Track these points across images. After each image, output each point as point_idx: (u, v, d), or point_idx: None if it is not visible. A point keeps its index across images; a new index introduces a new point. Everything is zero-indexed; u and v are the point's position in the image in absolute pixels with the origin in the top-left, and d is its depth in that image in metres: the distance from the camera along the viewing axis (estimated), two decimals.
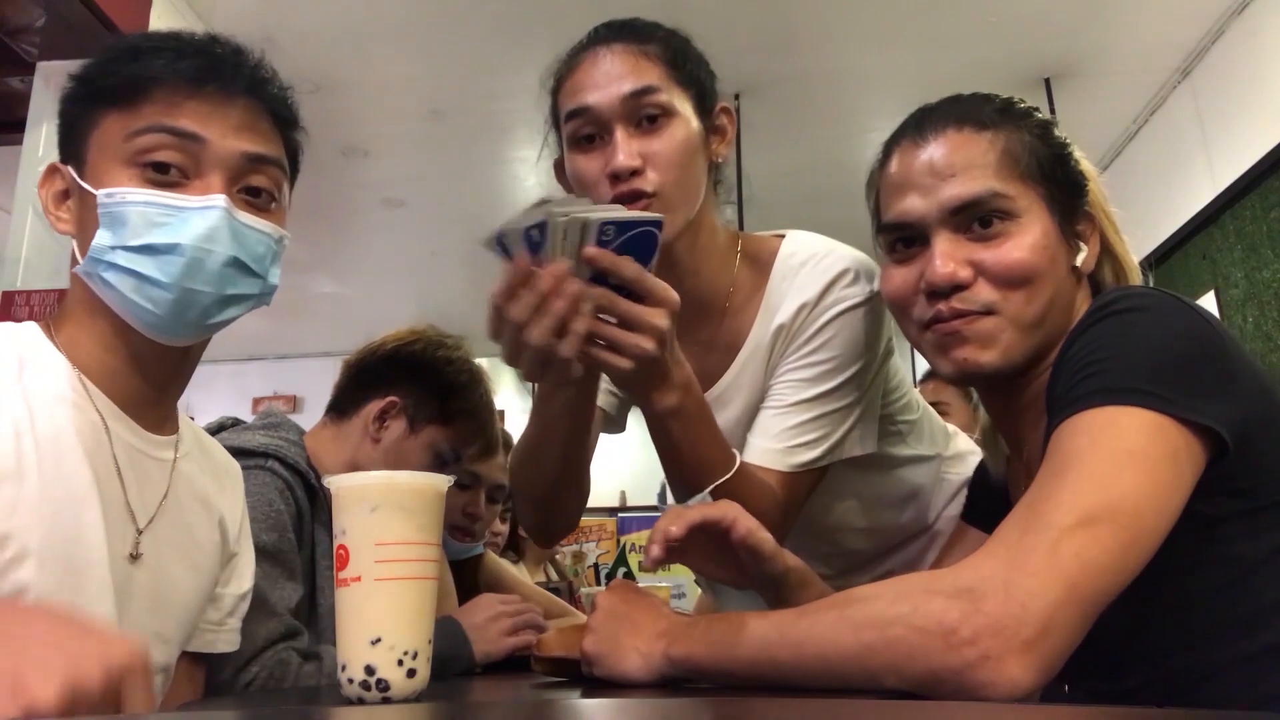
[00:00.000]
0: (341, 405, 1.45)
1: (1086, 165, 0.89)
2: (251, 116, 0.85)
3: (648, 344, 0.85)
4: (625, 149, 0.98)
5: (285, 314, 6.20)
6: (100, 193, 0.79)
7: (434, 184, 4.88)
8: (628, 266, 0.84)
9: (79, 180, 0.82)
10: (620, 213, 0.83)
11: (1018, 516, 0.65)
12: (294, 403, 7.15)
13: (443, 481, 0.73)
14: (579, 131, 1.03)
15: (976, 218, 0.82)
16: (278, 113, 0.88)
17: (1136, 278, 0.88)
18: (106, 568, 0.80)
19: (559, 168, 1.11)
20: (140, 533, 0.84)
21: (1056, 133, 0.88)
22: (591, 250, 0.82)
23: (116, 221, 0.78)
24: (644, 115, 1.00)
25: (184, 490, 0.90)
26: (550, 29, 3.67)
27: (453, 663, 1.18)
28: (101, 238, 0.79)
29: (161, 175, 0.80)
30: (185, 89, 0.81)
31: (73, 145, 0.84)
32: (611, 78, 1.00)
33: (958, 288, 0.81)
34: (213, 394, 6.23)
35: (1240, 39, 3.53)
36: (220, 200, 0.80)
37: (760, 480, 1.04)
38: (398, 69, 3.90)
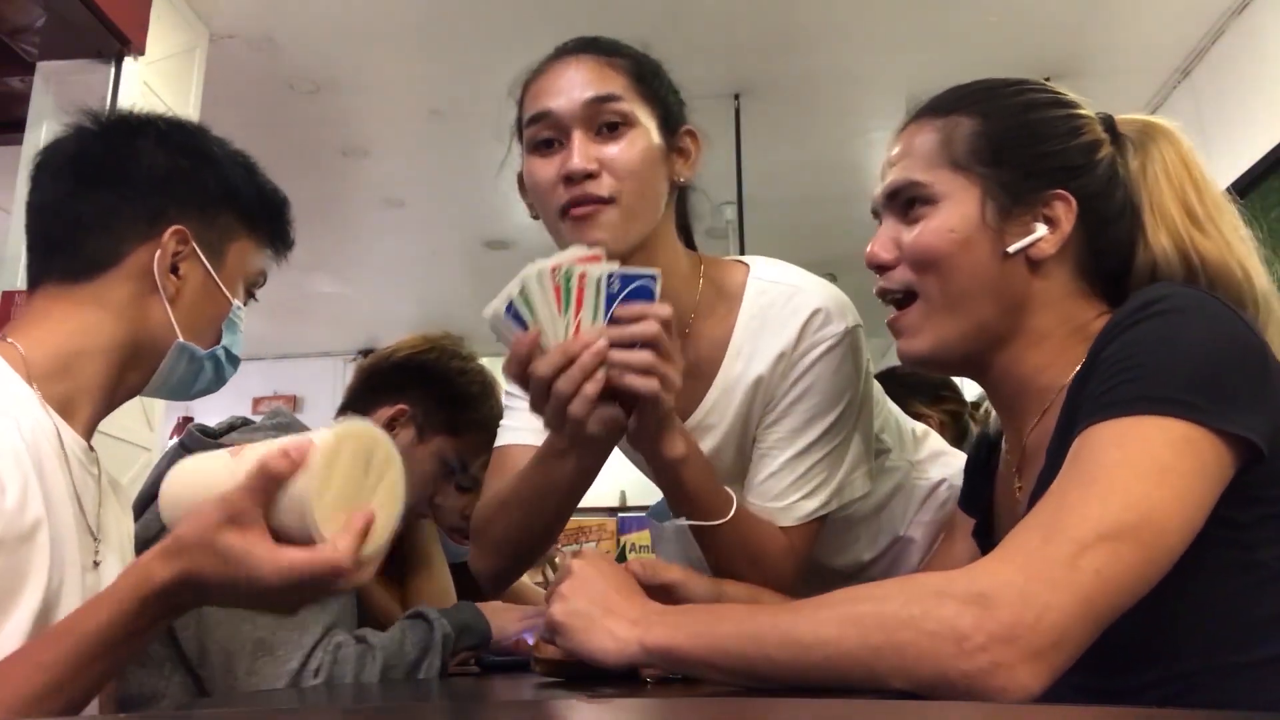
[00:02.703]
0: (352, 409, 1.45)
1: (1169, 153, 0.84)
2: None
3: (667, 396, 0.88)
4: (581, 152, 0.97)
5: (285, 314, 6.20)
6: (235, 304, 0.98)
7: (434, 184, 4.88)
8: (654, 320, 0.87)
9: (212, 271, 0.95)
10: (615, 266, 0.88)
11: (1038, 523, 0.64)
12: (294, 403, 7.15)
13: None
14: (538, 136, 1.02)
15: (902, 203, 0.86)
16: None
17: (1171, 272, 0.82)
18: (79, 575, 0.83)
19: (521, 181, 1.10)
20: (98, 542, 0.88)
21: (1055, 113, 0.85)
22: (635, 310, 0.87)
23: (232, 329, 0.99)
24: (604, 122, 1.00)
25: (107, 504, 0.94)
26: (550, 29, 3.65)
27: (469, 632, 1.21)
28: (225, 339, 0.99)
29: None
30: (279, 253, 1.06)
31: (205, 228, 0.94)
32: (575, 84, 1.01)
33: (882, 268, 0.87)
34: (214, 394, 6.22)
35: (1240, 39, 3.54)
36: None
37: (767, 527, 1.05)
38: (398, 69, 3.90)
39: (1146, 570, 0.62)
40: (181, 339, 0.93)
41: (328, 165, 4.51)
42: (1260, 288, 0.80)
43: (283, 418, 1.37)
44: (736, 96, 4.12)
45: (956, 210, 0.82)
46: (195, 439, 1.25)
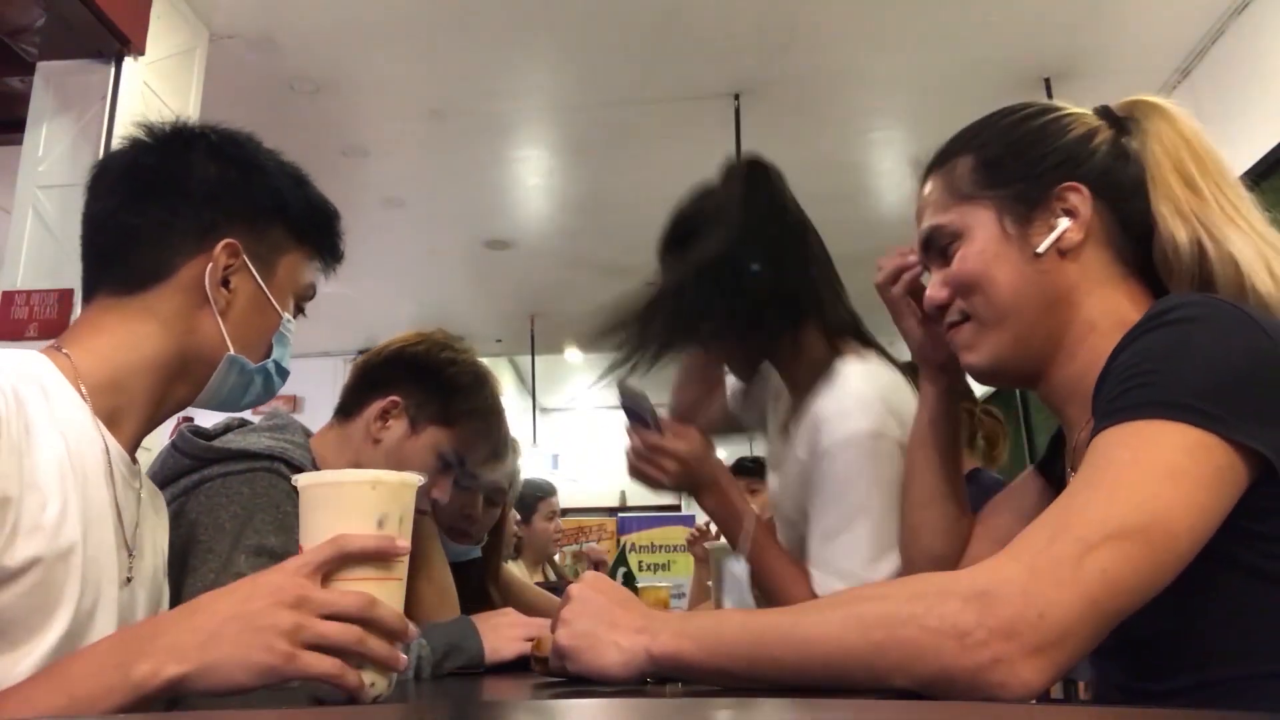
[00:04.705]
0: (347, 407, 1.45)
1: (1163, 131, 0.86)
2: None
3: (671, 465, 1.25)
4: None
5: None
6: (285, 316, 0.99)
7: (434, 184, 4.88)
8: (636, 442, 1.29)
9: (263, 284, 0.95)
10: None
11: (1047, 522, 0.64)
12: (294, 403, 7.14)
13: (397, 479, 0.73)
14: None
15: (938, 251, 0.92)
16: None
17: (1185, 250, 0.81)
18: (115, 589, 0.83)
19: None
20: (132, 557, 0.88)
21: (1039, 120, 0.89)
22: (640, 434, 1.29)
23: (283, 343, 0.99)
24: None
25: (144, 519, 0.94)
26: (550, 29, 3.68)
27: (457, 653, 1.19)
28: (275, 352, 0.99)
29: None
30: (328, 266, 1.07)
31: (255, 242, 0.95)
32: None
33: (941, 308, 0.92)
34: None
35: (1240, 39, 3.54)
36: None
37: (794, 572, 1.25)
38: (398, 69, 3.90)
39: (1154, 572, 0.62)
40: (233, 352, 0.93)
41: (328, 165, 4.51)
42: (1275, 245, 0.80)
43: (280, 419, 1.37)
44: (736, 96, 4.12)
45: (980, 234, 0.88)
46: (187, 440, 1.25)
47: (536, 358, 7.60)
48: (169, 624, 0.67)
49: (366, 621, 0.68)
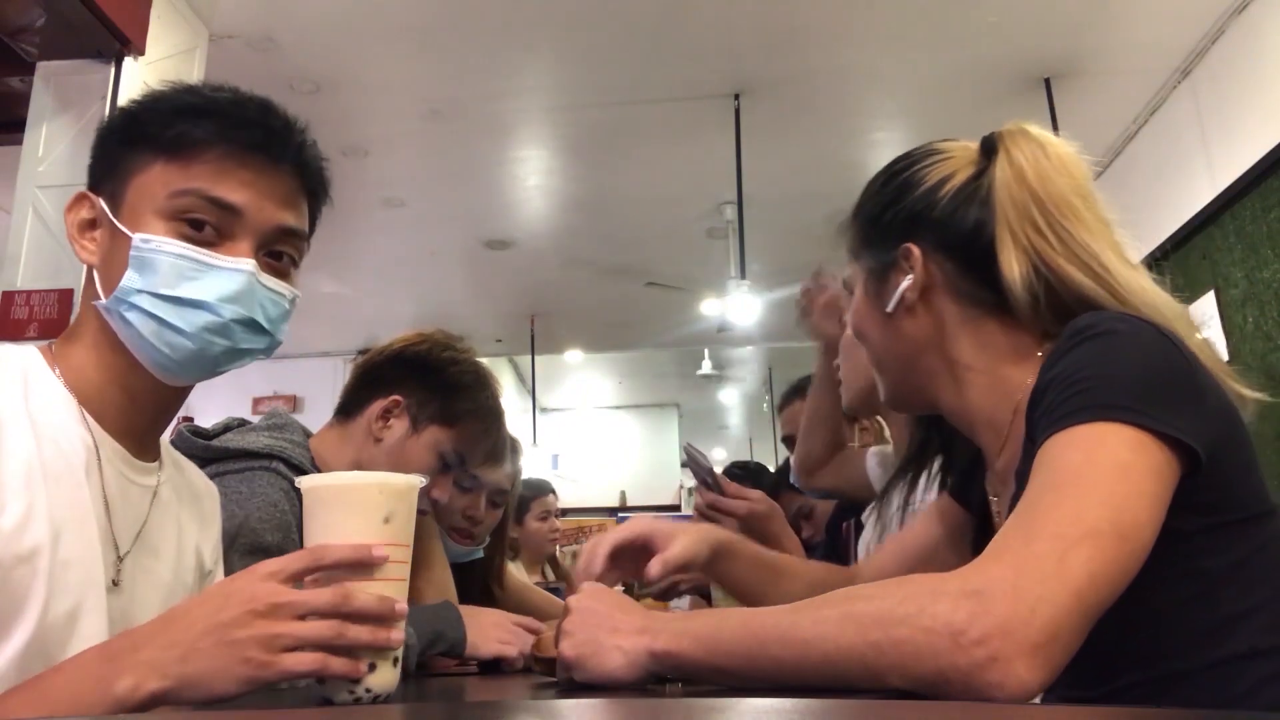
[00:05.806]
0: (348, 406, 1.45)
1: (1007, 178, 0.85)
2: (290, 190, 0.88)
3: (730, 524, 1.38)
4: None
5: None
6: (136, 237, 0.81)
7: (434, 184, 4.88)
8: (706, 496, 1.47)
9: (111, 216, 0.84)
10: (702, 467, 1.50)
11: (1019, 526, 0.66)
12: (294, 403, 7.15)
13: (404, 482, 0.73)
14: None
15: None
16: (314, 187, 0.92)
17: (1076, 280, 0.82)
18: (103, 591, 0.81)
19: None
20: (120, 559, 0.85)
21: (897, 180, 0.92)
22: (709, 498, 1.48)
23: (147, 267, 0.81)
24: None
25: (161, 517, 0.91)
26: (550, 29, 3.69)
27: (440, 640, 1.20)
28: (130, 279, 0.81)
29: (196, 232, 0.83)
30: (234, 157, 0.84)
31: (109, 180, 0.85)
32: None
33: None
34: (213, 393, 6.21)
35: (1240, 39, 3.54)
36: (249, 265, 0.83)
37: None
38: (398, 69, 3.90)
39: (1128, 563, 0.64)
40: (102, 299, 0.83)
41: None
42: (1124, 284, 0.81)
43: (279, 418, 1.37)
44: (736, 96, 4.12)
45: (857, 293, 0.98)
46: (185, 439, 1.25)
47: (536, 358, 7.61)
48: (146, 637, 0.66)
49: (346, 614, 0.66)
